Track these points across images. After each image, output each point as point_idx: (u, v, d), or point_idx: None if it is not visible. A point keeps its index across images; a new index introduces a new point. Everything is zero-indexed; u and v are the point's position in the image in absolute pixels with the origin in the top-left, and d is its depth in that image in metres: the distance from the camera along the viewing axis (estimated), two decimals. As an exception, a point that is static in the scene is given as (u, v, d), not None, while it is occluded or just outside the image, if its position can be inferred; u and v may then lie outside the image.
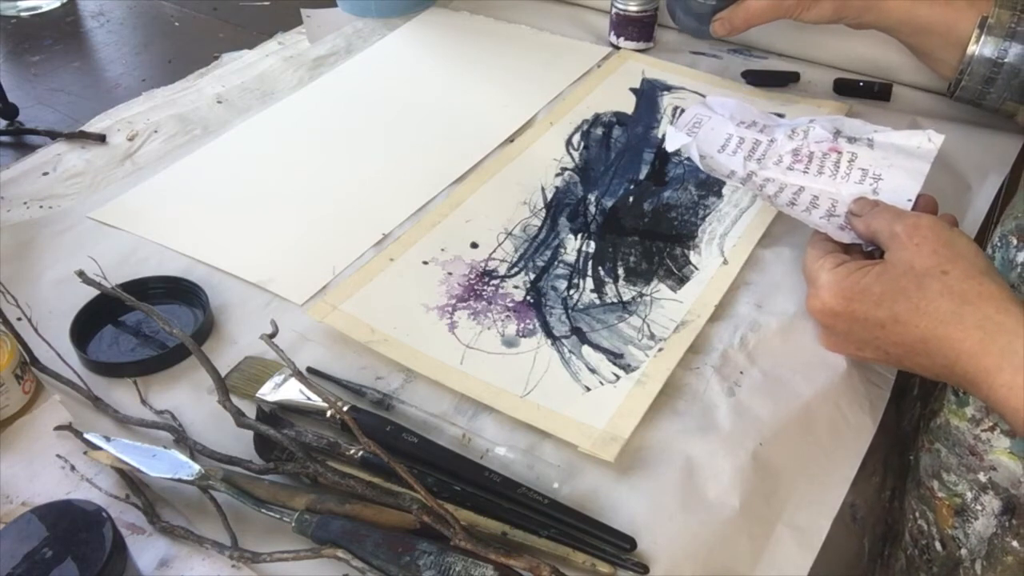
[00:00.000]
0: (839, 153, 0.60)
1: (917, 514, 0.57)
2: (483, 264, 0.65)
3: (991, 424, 0.52)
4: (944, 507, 0.55)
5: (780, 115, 0.79)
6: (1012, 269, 0.51)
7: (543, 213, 0.69)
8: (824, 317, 0.52)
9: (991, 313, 0.45)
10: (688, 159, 0.65)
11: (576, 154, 0.76)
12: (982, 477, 0.53)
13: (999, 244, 0.53)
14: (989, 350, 0.44)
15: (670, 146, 0.64)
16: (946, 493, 0.55)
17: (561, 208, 0.70)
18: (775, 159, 0.61)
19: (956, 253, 0.47)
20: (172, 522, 0.48)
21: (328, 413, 0.52)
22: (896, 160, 0.58)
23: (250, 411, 0.52)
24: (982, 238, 0.69)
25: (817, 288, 0.52)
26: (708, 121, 0.66)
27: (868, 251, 0.55)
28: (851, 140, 0.60)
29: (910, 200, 0.56)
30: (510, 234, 0.67)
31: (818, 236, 0.56)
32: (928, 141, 0.59)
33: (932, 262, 0.47)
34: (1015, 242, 0.51)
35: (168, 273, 0.63)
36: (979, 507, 0.53)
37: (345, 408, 0.51)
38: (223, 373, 0.54)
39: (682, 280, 0.63)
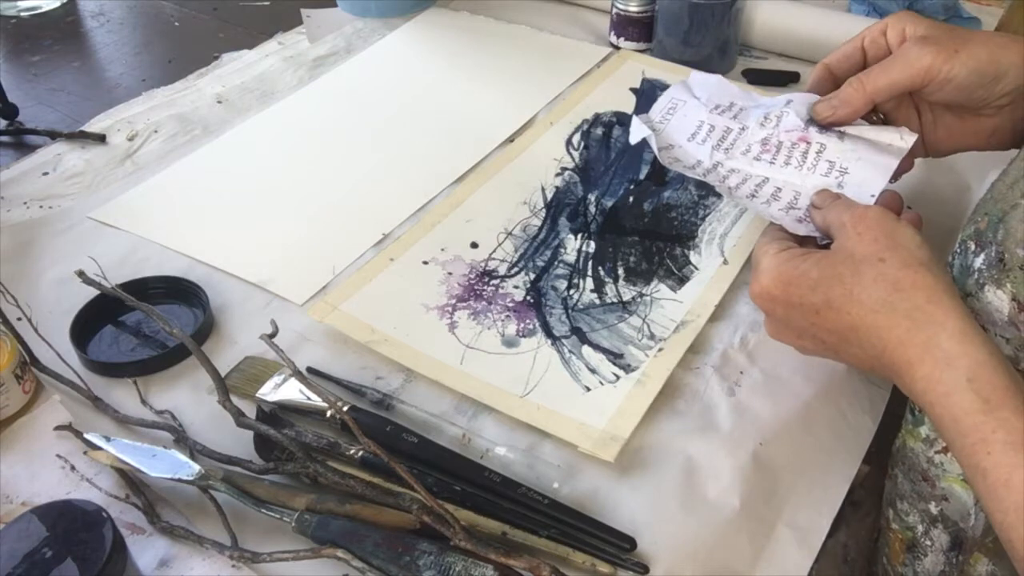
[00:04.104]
0: (807, 143, 0.59)
1: (879, 551, 0.56)
2: (483, 264, 0.65)
3: (943, 446, 0.50)
4: (897, 541, 0.54)
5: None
6: (969, 275, 0.50)
7: (543, 213, 0.69)
8: (762, 302, 0.51)
9: (921, 303, 0.44)
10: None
11: (576, 154, 0.76)
12: (933, 508, 0.51)
13: (959, 251, 0.52)
14: (914, 340, 0.43)
15: (633, 137, 0.63)
16: (899, 525, 0.53)
17: (561, 208, 0.70)
18: (743, 148, 0.61)
19: (896, 242, 0.47)
20: (172, 522, 0.48)
21: (328, 413, 0.52)
22: (864, 154, 0.58)
23: (250, 411, 0.52)
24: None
25: (758, 272, 0.51)
26: (683, 107, 0.65)
27: (823, 244, 0.54)
28: (822, 130, 0.60)
29: (873, 196, 0.55)
30: (510, 234, 0.67)
31: (772, 227, 0.55)
32: (900, 139, 0.58)
33: (871, 250, 0.47)
34: (973, 247, 0.50)
35: (168, 273, 0.63)
36: (928, 542, 0.52)
37: (345, 408, 0.51)
38: (223, 373, 0.54)
39: (682, 280, 0.63)
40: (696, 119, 0.63)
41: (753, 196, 0.58)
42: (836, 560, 0.53)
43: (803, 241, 0.54)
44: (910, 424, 0.53)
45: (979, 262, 0.49)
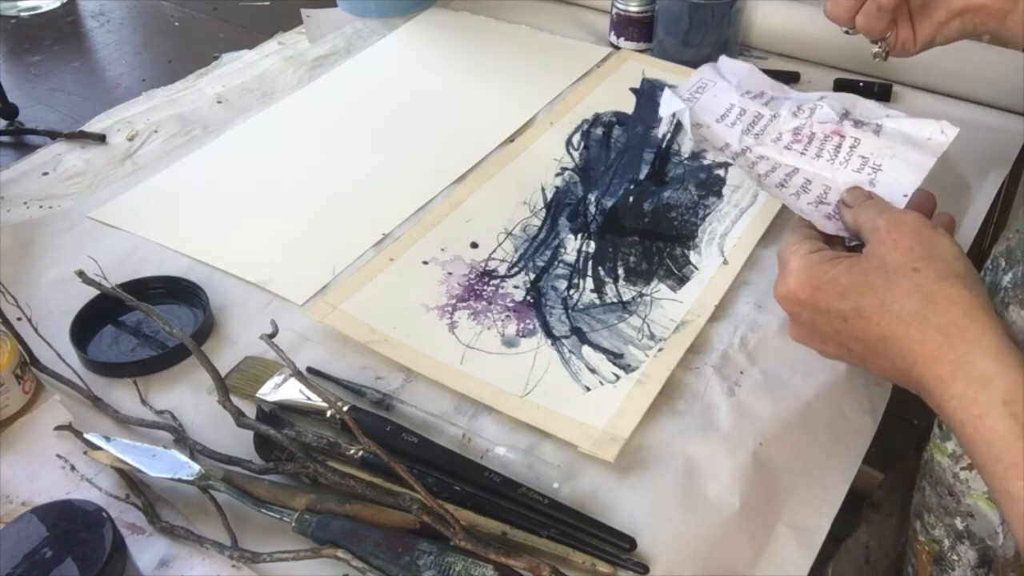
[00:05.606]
0: (841, 137, 0.57)
1: (907, 560, 0.55)
2: (483, 264, 0.65)
3: (969, 462, 0.50)
4: (924, 552, 0.53)
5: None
6: (996, 293, 0.48)
7: (543, 213, 0.69)
8: (788, 304, 0.50)
9: (956, 318, 0.42)
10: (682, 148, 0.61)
11: (576, 154, 0.76)
12: (959, 524, 0.51)
13: (990, 267, 0.51)
14: (947, 357, 0.42)
15: (664, 110, 0.61)
16: (926, 537, 0.53)
17: (561, 208, 0.70)
18: (774, 136, 0.58)
19: (932, 253, 0.45)
20: (172, 522, 0.48)
21: (328, 413, 0.52)
22: (900, 151, 0.56)
23: (250, 411, 0.52)
24: (981, 238, 0.69)
25: (786, 273, 0.49)
26: (712, 87, 0.62)
27: (851, 245, 0.52)
28: (857, 124, 0.57)
29: (906, 196, 0.53)
30: (510, 234, 0.67)
31: (801, 223, 0.54)
32: (941, 133, 0.56)
33: (906, 259, 0.45)
34: (1003, 264, 0.49)
35: (168, 273, 0.63)
36: (955, 557, 0.51)
37: (345, 408, 0.51)
38: (223, 373, 0.54)
39: (682, 280, 0.63)
40: (726, 100, 0.61)
41: (782, 186, 0.56)
42: (856, 560, 0.52)
43: (831, 240, 0.52)
44: (938, 439, 0.52)
45: (1007, 280, 0.48)
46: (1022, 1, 0.56)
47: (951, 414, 0.42)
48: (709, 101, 0.61)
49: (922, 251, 0.45)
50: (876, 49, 0.62)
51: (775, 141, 0.58)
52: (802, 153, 0.57)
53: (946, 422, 0.43)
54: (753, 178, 0.57)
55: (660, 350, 0.57)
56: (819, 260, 0.48)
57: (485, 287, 0.63)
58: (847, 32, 0.60)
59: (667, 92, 0.62)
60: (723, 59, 0.65)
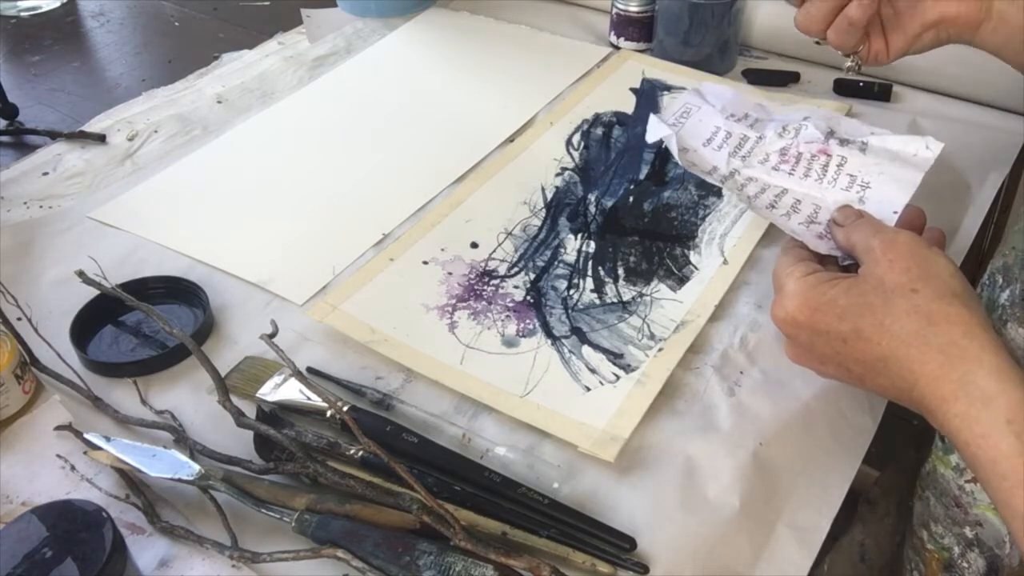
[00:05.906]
0: (828, 156, 0.57)
1: (912, 565, 0.55)
2: (483, 264, 0.65)
3: (974, 475, 0.50)
4: (934, 560, 0.53)
5: None
6: (994, 310, 0.48)
7: (543, 213, 0.69)
8: (786, 327, 0.49)
9: (956, 338, 0.43)
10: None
11: (576, 154, 0.76)
12: (968, 532, 0.51)
13: (987, 282, 0.50)
14: (949, 377, 0.42)
15: (650, 136, 0.61)
16: (934, 545, 0.53)
17: (561, 208, 0.70)
18: (761, 157, 0.59)
19: (929, 272, 0.45)
20: (172, 522, 0.48)
21: (328, 413, 0.52)
22: (888, 168, 0.56)
23: (250, 411, 0.52)
24: (980, 239, 0.69)
25: (783, 296, 0.49)
26: (697, 112, 0.63)
27: (845, 265, 0.53)
28: (843, 143, 0.58)
29: (896, 212, 0.53)
30: (510, 234, 0.67)
31: (793, 243, 0.54)
32: (926, 148, 0.56)
33: (903, 279, 0.45)
34: (1000, 281, 0.49)
35: (168, 273, 0.64)
36: (965, 564, 0.51)
37: (345, 408, 0.51)
38: (223, 373, 0.54)
39: (682, 280, 0.63)
40: (712, 124, 0.61)
41: (772, 207, 0.56)
42: (852, 559, 0.52)
43: (824, 260, 0.52)
44: (940, 451, 0.52)
45: (1004, 298, 0.48)
46: (995, 12, 0.56)
47: (955, 433, 0.42)
48: (695, 126, 0.62)
49: (919, 271, 0.45)
50: (849, 63, 0.62)
51: (762, 162, 0.58)
52: (790, 173, 0.57)
53: (950, 440, 0.43)
54: (743, 200, 0.57)
55: (660, 350, 0.57)
56: (816, 282, 0.48)
57: (485, 287, 0.63)
58: (817, 43, 0.61)
59: (653, 119, 0.62)
60: (705, 84, 0.66)
